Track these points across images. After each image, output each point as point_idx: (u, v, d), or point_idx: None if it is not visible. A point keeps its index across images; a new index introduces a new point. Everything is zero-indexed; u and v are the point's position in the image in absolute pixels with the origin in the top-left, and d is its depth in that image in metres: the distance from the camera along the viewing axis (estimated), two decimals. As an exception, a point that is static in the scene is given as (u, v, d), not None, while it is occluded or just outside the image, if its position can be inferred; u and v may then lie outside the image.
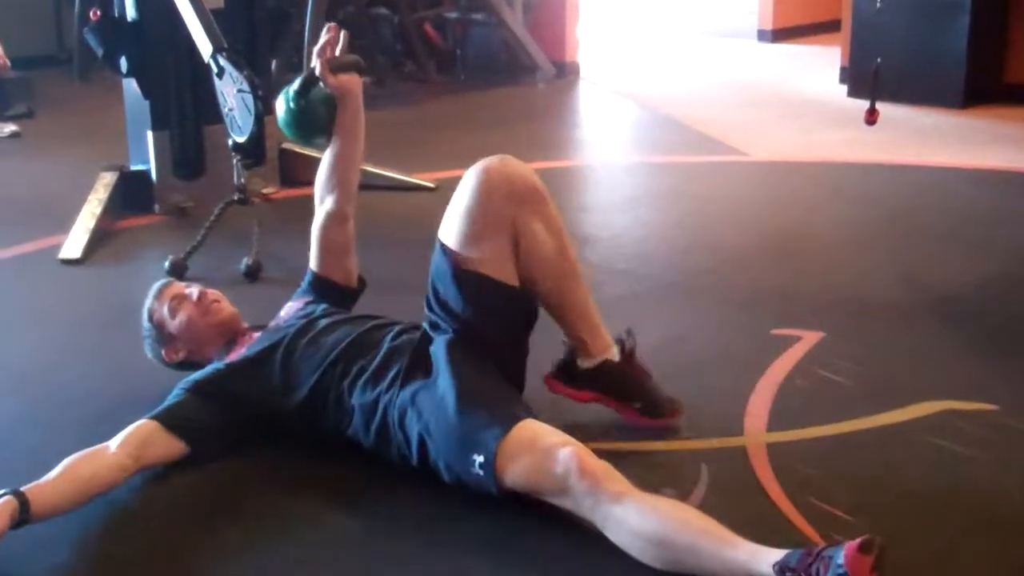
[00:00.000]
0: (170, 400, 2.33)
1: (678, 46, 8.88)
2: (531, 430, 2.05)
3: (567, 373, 2.43)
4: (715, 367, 2.80)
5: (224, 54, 3.54)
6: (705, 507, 2.03)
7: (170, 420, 2.27)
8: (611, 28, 9.54)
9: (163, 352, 2.57)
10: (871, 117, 3.71)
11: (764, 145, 5.31)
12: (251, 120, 3.49)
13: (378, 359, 2.28)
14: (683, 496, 2.11)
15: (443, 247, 2.31)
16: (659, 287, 3.42)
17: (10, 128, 6.07)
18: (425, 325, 2.34)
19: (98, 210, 4.08)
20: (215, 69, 3.55)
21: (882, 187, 4.59)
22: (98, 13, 4.11)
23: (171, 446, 2.26)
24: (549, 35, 7.44)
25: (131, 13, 4.14)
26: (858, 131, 4.53)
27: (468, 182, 2.30)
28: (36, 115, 6.46)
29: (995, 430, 2.40)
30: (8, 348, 3.09)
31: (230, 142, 3.60)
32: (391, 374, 2.24)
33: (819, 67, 7.25)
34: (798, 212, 4.21)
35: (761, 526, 1.97)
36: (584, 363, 2.40)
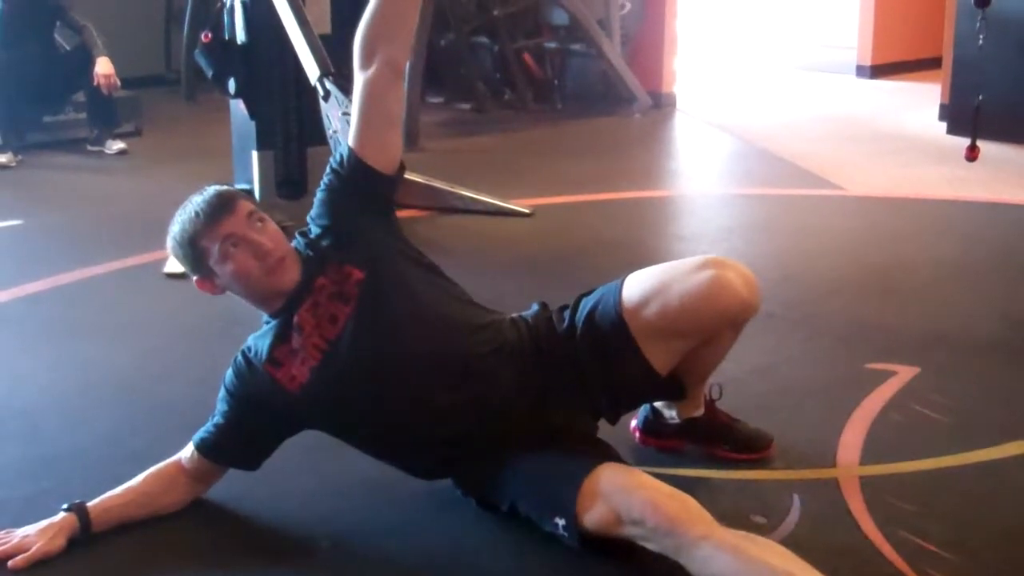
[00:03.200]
0: (213, 417, 2.22)
1: (776, 80, 8.84)
2: (606, 478, 1.95)
3: (654, 426, 2.45)
4: (809, 398, 2.79)
5: (330, 78, 3.63)
6: (796, 537, 2.02)
7: (205, 450, 2.19)
8: (709, 61, 9.53)
9: (195, 279, 2.17)
10: (971, 154, 3.65)
11: (862, 180, 5.26)
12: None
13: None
14: (774, 525, 2.11)
15: (622, 313, 2.15)
16: (755, 317, 3.39)
17: (119, 146, 6.26)
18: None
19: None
20: (321, 92, 3.65)
21: (983, 225, 4.53)
22: (209, 35, 4.25)
23: (223, 469, 2.23)
24: (646, 66, 7.46)
25: (241, 36, 4.27)
26: (958, 168, 4.49)
27: (697, 277, 2.11)
28: (144, 134, 6.67)
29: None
30: (113, 357, 3.19)
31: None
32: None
33: (918, 104, 7.17)
34: (896, 247, 4.17)
35: (853, 557, 1.96)
36: (671, 419, 2.42)
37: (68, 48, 6.36)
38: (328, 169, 2.17)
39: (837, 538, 2.11)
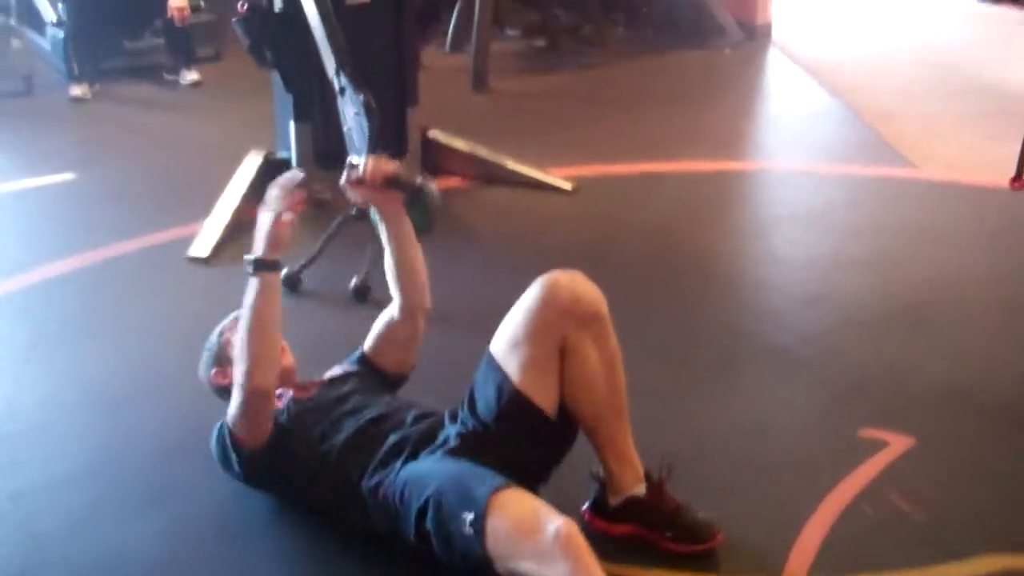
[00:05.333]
0: None
1: (888, 4, 8.31)
2: (526, 495, 2.05)
3: (600, 507, 2.37)
4: (785, 473, 2.65)
5: (346, 72, 3.54)
6: None
7: None
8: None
9: (213, 372, 2.52)
10: (1017, 184, 3.37)
11: (940, 154, 4.94)
12: (366, 144, 3.49)
13: (384, 449, 2.29)
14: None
15: (490, 356, 2.30)
16: (763, 350, 3.26)
17: (192, 77, 6.29)
18: (446, 413, 2.35)
19: (237, 201, 4.20)
20: (337, 87, 3.56)
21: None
22: (245, 5, 4.16)
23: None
24: (742, -6, 7.11)
25: (277, 5, 4.17)
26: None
27: (531, 290, 2.28)
28: (224, 57, 6.65)
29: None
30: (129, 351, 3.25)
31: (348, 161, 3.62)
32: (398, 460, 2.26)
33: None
34: (947, 260, 3.87)
35: None
36: (612, 499, 2.34)
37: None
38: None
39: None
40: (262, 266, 2.25)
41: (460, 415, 2.32)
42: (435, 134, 4.70)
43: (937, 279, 3.71)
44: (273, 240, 2.25)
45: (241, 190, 4.27)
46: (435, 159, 4.69)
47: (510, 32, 7.05)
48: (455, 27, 6.62)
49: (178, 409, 2.89)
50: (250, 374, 2.25)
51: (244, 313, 2.27)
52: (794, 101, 6.16)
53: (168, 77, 6.37)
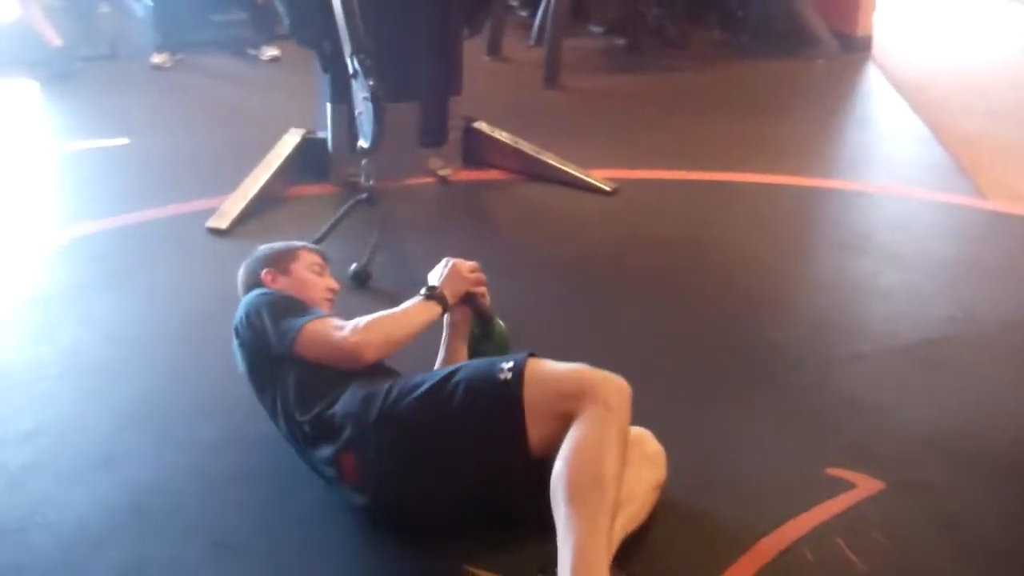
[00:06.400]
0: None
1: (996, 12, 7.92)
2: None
3: None
4: (733, 506, 2.48)
5: (359, 58, 3.50)
6: None
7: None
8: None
9: (265, 270, 2.62)
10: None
11: (1012, 185, 4.65)
12: (374, 130, 3.46)
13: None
14: None
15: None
16: (756, 372, 3.10)
17: (272, 52, 6.35)
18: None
19: (265, 176, 4.22)
20: (351, 70, 3.53)
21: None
22: (286, -14, 4.16)
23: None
24: (839, 3, 6.83)
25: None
26: None
27: (610, 382, 2.14)
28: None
29: None
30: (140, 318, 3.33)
31: (358, 146, 3.60)
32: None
33: None
34: (981, 297, 3.61)
35: None
36: None
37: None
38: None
39: None
40: (435, 297, 2.47)
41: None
42: (480, 125, 4.64)
43: (963, 316, 3.46)
44: (455, 294, 2.50)
45: (273, 167, 4.27)
46: (477, 150, 4.63)
47: (594, 28, 6.93)
48: (540, 20, 6.54)
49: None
50: (367, 346, 2.33)
51: (400, 316, 2.43)
52: (876, 118, 5.91)
53: (250, 51, 6.45)
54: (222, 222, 3.96)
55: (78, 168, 4.70)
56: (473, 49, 5.10)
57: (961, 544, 2.39)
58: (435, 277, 2.52)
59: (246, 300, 2.51)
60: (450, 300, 2.49)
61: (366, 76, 3.43)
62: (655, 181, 4.61)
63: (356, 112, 3.55)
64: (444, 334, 2.64)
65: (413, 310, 2.45)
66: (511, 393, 2.11)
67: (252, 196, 4.09)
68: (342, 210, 3.75)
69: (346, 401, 2.30)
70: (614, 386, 2.10)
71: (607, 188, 4.42)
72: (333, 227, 3.72)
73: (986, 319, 3.45)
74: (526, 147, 4.59)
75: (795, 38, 6.75)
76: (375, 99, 3.38)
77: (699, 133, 5.28)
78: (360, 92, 3.47)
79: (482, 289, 2.58)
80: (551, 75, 5.87)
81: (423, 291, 2.48)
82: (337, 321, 2.41)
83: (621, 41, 6.82)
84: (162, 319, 3.34)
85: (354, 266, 3.55)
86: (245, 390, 2.55)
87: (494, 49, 6.47)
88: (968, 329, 3.38)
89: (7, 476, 2.55)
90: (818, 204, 4.59)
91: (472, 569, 2.22)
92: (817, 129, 5.60)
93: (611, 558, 2.02)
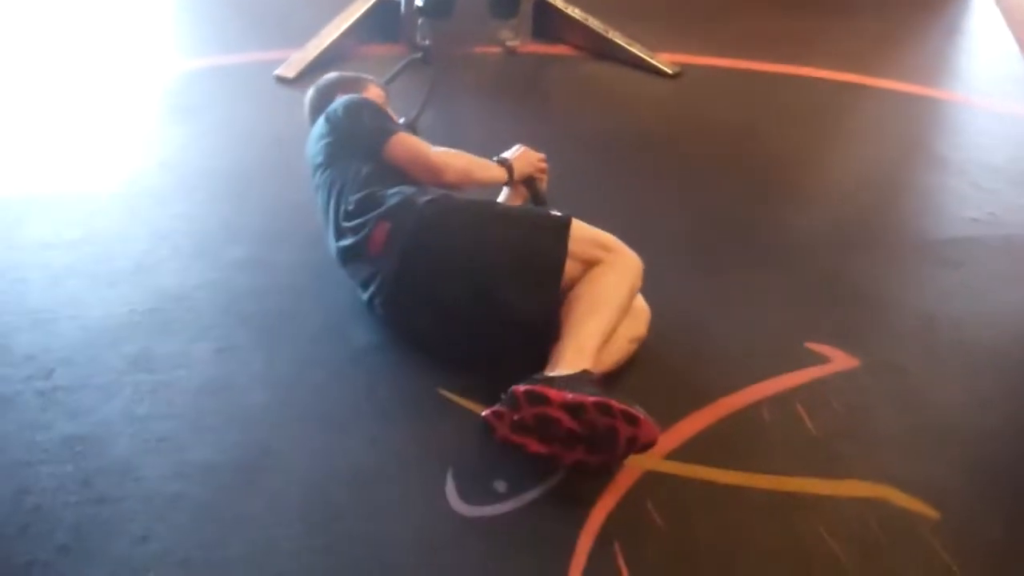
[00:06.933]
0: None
1: None
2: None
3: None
4: (707, 363, 2.63)
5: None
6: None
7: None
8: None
9: (340, 91, 2.93)
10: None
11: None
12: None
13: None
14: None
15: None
16: (776, 253, 3.18)
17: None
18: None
19: (335, 33, 4.37)
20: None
21: None
22: None
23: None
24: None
25: None
26: None
27: (626, 258, 2.50)
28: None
29: (918, 542, 2.14)
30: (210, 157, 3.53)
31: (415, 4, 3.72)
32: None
33: None
34: (1018, 206, 3.66)
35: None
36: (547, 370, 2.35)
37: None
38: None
39: (546, 526, 2.10)
40: (504, 165, 2.82)
41: None
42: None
43: (988, 219, 3.46)
44: (520, 172, 2.85)
45: (345, 23, 4.42)
46: (547, 24, 4.70)
47: None
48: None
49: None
50: (448, 168, 2.71)
51: (478, 160, 2.79)
52: (965, 30, 5.72)
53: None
54: (290, 71, 4.14)
55: (160, 11, 4.91)
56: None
57: (916, 424, 2.49)
58: (508, 154, 2.86)
59: (346, 98, 2.80)
60: (516, 175, 2.84)
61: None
62: (719, 69, 4.62)
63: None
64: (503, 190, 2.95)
65: (487, 163, 2.81)
66: (562, 221, 2.47)
67: (322, 49, 4.25)
68: (397, 67, 3.89)
69: (403, 187, 2.58)
70: (636, 259, 2.50)
71: (670, 71, 4.47)
72: (388, 83, 3.85)
73: (1012, 224, 3.45)
74: (595, 24, 4.64)
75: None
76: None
77: (778, 26, 5.23)
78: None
79: (543, 176, 2.92)
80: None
81: (495, 158, 2.82)
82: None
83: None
84: (215, 153, 3.55)
85: (402, 120, 3.69)
86: (278, 222, 2.76)
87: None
88: (990, 232, 3.39)
89: (50, 274, 2.81)
90: (879, 105, 4.55)
91: (446, 393, 2.42)
92: (908, 33, 5.49)
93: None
